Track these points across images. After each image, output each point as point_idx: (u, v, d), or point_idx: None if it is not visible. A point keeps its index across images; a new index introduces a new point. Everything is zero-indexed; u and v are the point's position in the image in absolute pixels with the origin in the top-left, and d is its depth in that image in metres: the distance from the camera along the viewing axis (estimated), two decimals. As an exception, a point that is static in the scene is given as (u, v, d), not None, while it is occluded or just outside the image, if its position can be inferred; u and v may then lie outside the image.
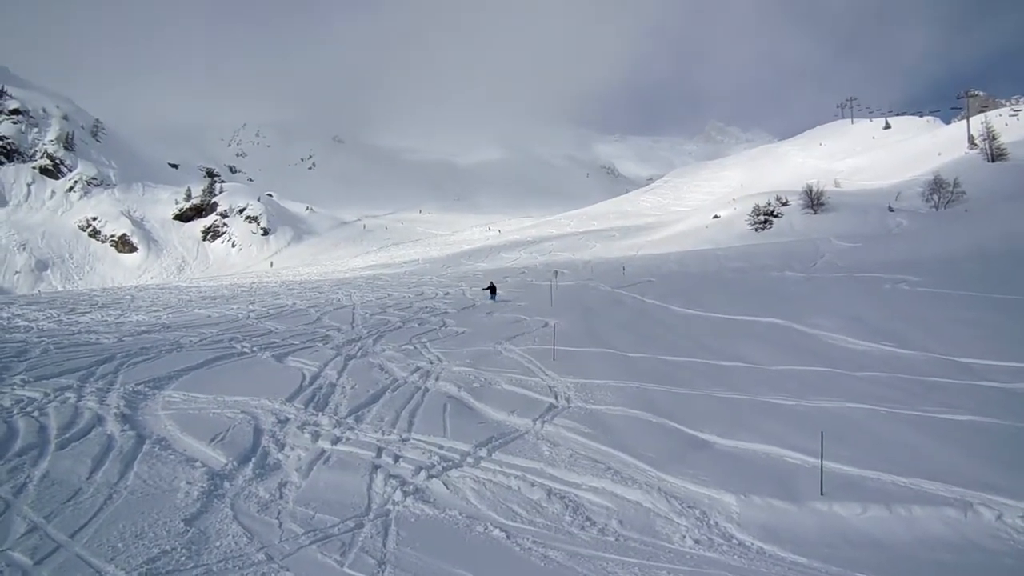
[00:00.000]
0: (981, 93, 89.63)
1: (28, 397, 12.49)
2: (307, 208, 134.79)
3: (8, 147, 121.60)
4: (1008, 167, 53.23)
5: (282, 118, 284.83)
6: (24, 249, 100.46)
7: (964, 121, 70.14)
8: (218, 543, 7.10)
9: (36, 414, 11.40)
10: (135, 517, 7.62)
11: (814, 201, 53.44)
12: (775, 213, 55.14)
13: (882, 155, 78.75)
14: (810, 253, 37.18)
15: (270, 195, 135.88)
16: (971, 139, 62.51)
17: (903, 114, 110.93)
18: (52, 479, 8.69)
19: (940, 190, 48.20)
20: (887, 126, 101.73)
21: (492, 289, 30.49)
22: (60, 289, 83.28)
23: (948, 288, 20.27)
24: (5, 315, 27.72)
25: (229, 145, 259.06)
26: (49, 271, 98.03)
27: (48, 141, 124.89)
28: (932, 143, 72.93)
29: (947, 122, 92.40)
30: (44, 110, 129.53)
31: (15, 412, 11.45)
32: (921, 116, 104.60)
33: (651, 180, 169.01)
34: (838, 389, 12.00)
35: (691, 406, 11.63)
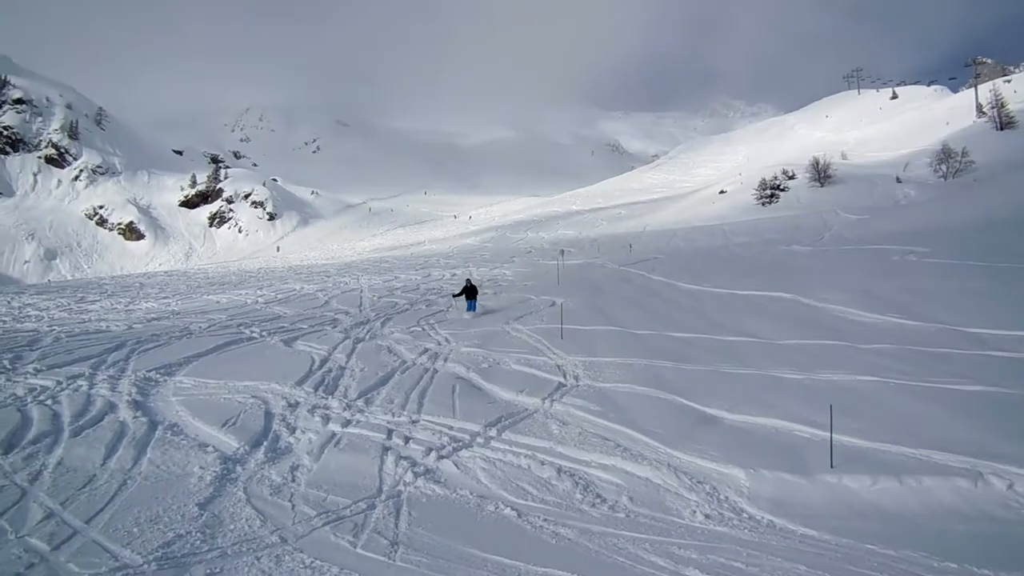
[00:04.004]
0: (989, 60, 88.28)
1: (41, 385, 12.60)
2: (312, 192, 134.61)
3: (13, 137, 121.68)
4: (1017, 135, 52.53)
5: (285, 102, 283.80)
6: (32, 239, 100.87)
7: (972, 89, 69.24)
8: (232, 526, 7.18)
9: (49, 402, 11.51)
10: (150, 502, 7.71)
11: (821, 174, 52.96)
12: (782, 187, 54.72)
13: (889, 126, 77.87)
14: (817, 226, 36.97)
15: (275, 180, 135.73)
16: (979, 107, 61.68)
17: (910, 84, 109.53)
18: (67, 466, 8.79)
19: (948, 160, 47.61)
20: (894, 96, 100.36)
21: (469, 291, 20.68)
22: (69, 278, 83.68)
23: (956, 259, 20.14)
24: (16, 304, 27.90)
25: (233, 130, 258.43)
26: (58, 260, 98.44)
27: (52, 130, 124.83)
28: (940, 113, 72.10)
29: (955, 91, 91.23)
30: (47, 99, 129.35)
31: (29, 400, 11.56)
32: (928, 85, 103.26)
33: (656, 157, 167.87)
34: (847, 362, 11.97)
35: (699, 382, 11.64)
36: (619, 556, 6.48)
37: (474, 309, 20.30)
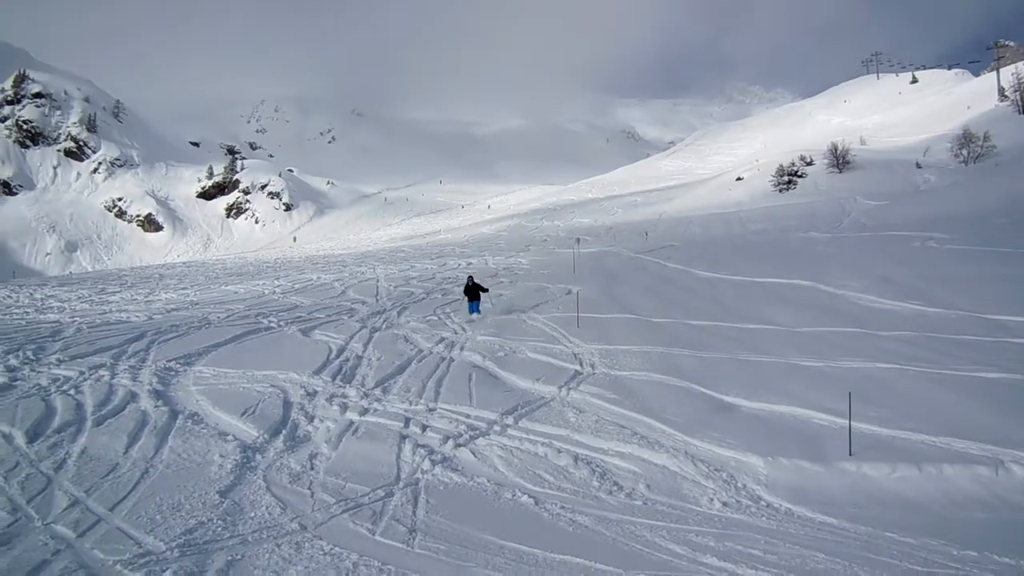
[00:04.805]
0: (1011, 43, 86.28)
1: (64, 376, 12.78)
2: (328, 182, 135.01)
3: (33, 131, 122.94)
4: (1041, 119, 51.68)
5: (300, 93, 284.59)
6: (53, 231, 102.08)
7: (994, 73, 68.12)
8: (252, 514, 7.26)
9: (72, 392, 11.68)
10: (171, 490, 7.81)
11: (839, 160, 52.39)
12: (799, 173, 54.19)
13: (909, 110, 76.86)
14: (836, 213, 36.62)
15: (291, 170, 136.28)
16: (1001, 91, 60.71)
17: (930, 68, 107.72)
18: (90, 455, 8.92)
19: (969, 144, 46.94)
20: (914, 80, 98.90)
21: (471, 290, 18.69)
22: (90, 269, 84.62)
23: (978, 245, 19.90)
24: (39, 296, 28.28)
25: (248, 122, 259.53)
26: (79, 252, 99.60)
27: (71, 123, 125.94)
28: (961, 97, 71.04)
29: (976, 74, 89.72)
30: (66, 92, 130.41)
31: (52, 391, 11.74)
32: (949, 69, 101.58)
33: (672, 144, 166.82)
34: (866, 349, 11.89)
35: (716, 370, 11.60)
36: (636, 543, 6.49)
37: (477, 311, 18.27)
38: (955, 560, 5.90)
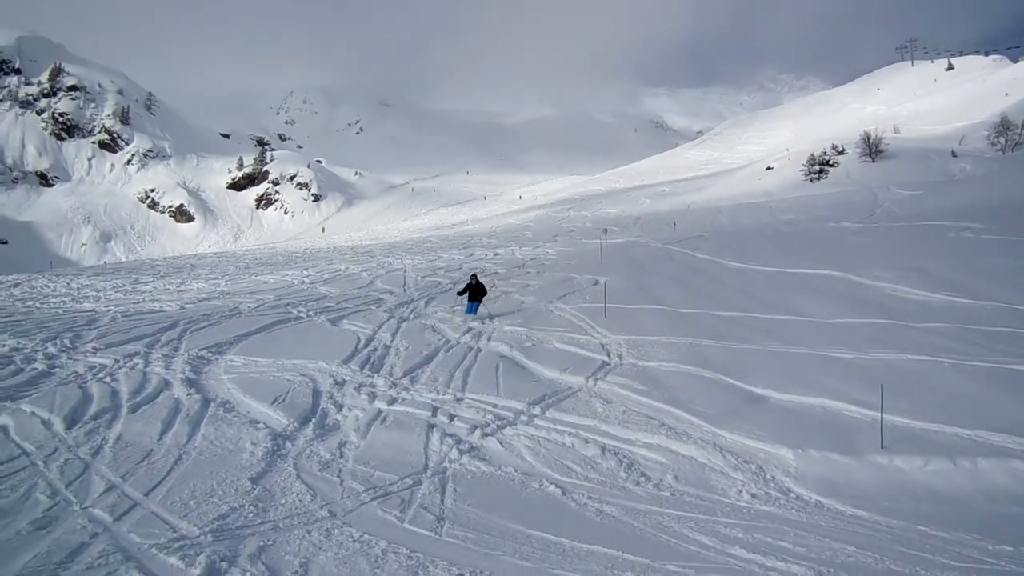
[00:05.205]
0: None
1: (100, 364, 13.03)
2: (356, 173, 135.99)
3: (68, 123, 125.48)
4: (1083, 105, 50.36)
5: (329, 84, 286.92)
6: (88, 222, 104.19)
7: (1035, 58, 66.46)
8: (283, 500, 7.36)
9: (108, 380, 11.90)
10: (204, 476, 7.94)
11: (872, 148, 51.45)
12: (831, 162, 53.36)
13: (945, 98, 75.23)
14: (868, 202, 36.00)
15: (319, 161, 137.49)
16: (1042, 77, 59.27)
17: (967, 54, 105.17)
18: (126, 441, 9.09)
19: (1007, 132, 45.85)
20: (950, 67, 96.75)
21: (474, 290, 17.44)
22: (124, 259, 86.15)
23: (1015, 235, 19.45)
24: (75, 286, 28.82)
25: (278, 113, 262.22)
26: (113, 242, 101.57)
27: (105, 116, 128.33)
28: (999, 83, 69.35)
29: (1015, 60, 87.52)
30: (100, 85, 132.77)
31: (89, 378, 11.98)
32: (987, 55, 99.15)
33: (701, 133, 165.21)
34: (899, 341, 11.70)
35: (745, 361, 11.50)
36: (664, 534, 6.47)
37: (474, 312, 17.17)
38: (990, 555, 5.81)
